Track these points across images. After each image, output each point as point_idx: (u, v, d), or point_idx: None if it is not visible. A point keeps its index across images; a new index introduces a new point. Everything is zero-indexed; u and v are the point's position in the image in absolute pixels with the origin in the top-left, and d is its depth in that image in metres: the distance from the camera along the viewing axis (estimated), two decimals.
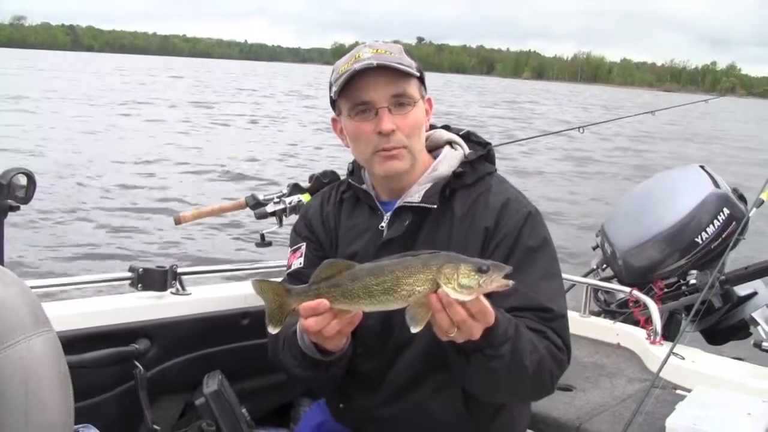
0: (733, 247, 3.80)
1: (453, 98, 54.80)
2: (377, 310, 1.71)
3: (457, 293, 1.62)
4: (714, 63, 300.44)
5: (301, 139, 23.89)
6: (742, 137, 35.37)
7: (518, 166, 19.01)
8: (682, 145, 29.54)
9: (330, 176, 3.10)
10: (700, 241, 4.09)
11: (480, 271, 1.61)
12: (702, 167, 4.52)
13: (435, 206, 2.06)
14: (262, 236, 3.13)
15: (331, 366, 2.00)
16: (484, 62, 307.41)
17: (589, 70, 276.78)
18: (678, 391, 2.80)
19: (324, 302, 1.71)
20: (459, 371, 1.92)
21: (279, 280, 2.26)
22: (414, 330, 1.66)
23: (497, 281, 1.62)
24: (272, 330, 1.77)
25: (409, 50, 2.10)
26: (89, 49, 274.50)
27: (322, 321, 1.74)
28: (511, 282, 1.63)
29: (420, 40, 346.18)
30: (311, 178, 3.15)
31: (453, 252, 1.71)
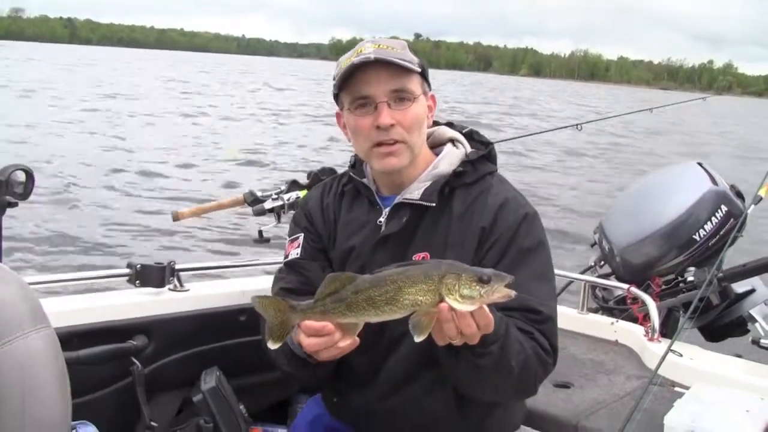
0: (731, 245, 3.80)
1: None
2: (382, 320, 1.70)
3: (460, 304, 1.62)
4: (711, 62, 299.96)
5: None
6: (739, 135, 35.43)
7: (518, 161, 18.98)
8: (680, 142, 29.61)
9: (328, 173, 3.09)
10: (698, 239, 4.09)
11: (481, 281, 1.61)
12: (700, 164, 4.51)
13: (433, 204, 2.07)
14: (260, 233, 3.13)
15: (318, 366, 2.00)
16: (481, 59, 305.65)
17: (586, 68, 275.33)
18: (676, 389, 2.80)
19: (329, 326, 1.71)
20: (447, 366, 1.93)
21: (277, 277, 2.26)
22: (417, 339, 1.67)
23: (499, 291, 1.61)
24: (272, 346, 1.75)
25: (413, 46, 2.11)
26: (87, 42, 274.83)
27: (323, 343, 1.75)
28: (513, 293, 1.63)
29: (417, 36, 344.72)
30: (309, 174, 3.15)
31: (450, 249, 1.71)
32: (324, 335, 1.73)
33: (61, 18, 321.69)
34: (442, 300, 1.63)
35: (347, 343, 1.77)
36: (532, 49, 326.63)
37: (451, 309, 1.63)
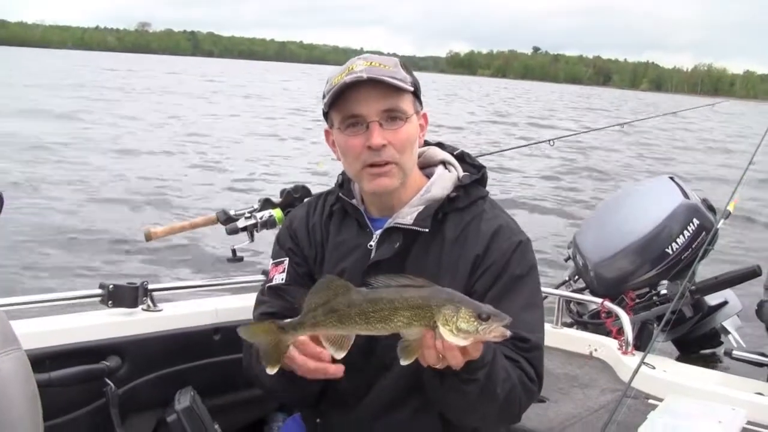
0: (702, 258, 3.84)
1: None
2: (371, 335, 1.69)
3: (454, 336, 1.59)
4: None
5: None
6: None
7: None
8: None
9: (301, 191, 3.10)
10: (671, 252, 4.13)
11: (480, 318, 1.58)
12: (671, 178, 4.57)
13: (426, 230, 2.04)
14: (234, 251, 3.12)
15: (309, 382, 1.95)
16: (600, 73, 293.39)
17: (709, 83, 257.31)
18: (650, 401, 2.81)
19: (325, 353, 1.73)
20: (432, 391, 1.91)
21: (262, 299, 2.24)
22: (404, 362, 1.65)
23: (495, 331, 1.59)
24: (271, 371, 1.74)
25: (405, 64, 2.08)
26: (209, 54, 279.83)
27: (315, 369, 1.76)
28: (509, 333, 1.61)
29: (536, 49, 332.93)
30: (282, 192, 3.14)
31: (443, 275, 1.70)
32: (319, 360, 1.72)
33: (184, 31, 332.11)
34: (435, 327, 1.61)
35: (336, 369, 1.76)
36: (653, 62, 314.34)
37: (439, 338, 1.62)
